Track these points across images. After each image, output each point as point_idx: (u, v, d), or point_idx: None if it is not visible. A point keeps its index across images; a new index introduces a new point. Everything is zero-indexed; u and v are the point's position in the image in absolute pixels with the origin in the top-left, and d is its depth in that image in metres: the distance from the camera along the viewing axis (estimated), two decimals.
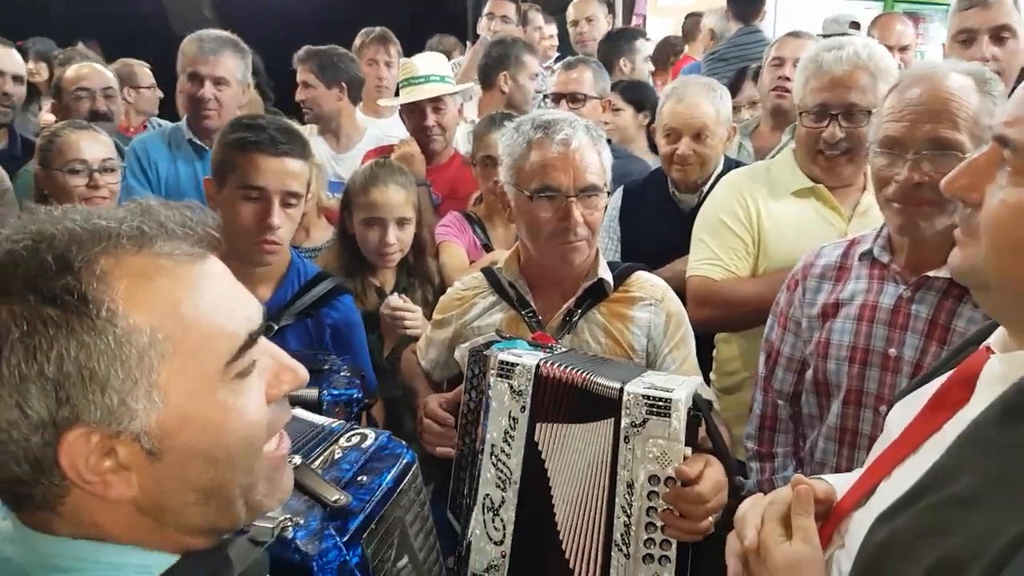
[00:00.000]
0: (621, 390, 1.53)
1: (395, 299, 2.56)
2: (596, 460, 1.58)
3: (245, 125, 2.11)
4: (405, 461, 1.31)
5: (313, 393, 1.84)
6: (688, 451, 1.51)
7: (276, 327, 2.12)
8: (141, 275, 0.80)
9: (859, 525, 1.11)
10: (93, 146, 2.76)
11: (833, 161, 2.33)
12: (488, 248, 2.93)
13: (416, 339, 2.40)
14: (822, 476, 1.32)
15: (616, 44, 4.71)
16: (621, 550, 1.56)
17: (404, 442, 1.38)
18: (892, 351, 1.80)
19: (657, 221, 2.92)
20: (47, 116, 4.09)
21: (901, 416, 1.20)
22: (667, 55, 5.82)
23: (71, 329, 0.76)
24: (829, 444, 1.91)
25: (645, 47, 4.83)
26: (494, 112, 3.28)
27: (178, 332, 0.80)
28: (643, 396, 1.51)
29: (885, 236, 1.89)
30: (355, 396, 1.96)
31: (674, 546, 1.54)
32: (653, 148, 3.76)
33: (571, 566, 1.61)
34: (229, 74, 3.38)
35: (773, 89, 3.38)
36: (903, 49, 4.03)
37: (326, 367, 1.98)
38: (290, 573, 1.08)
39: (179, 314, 0.81)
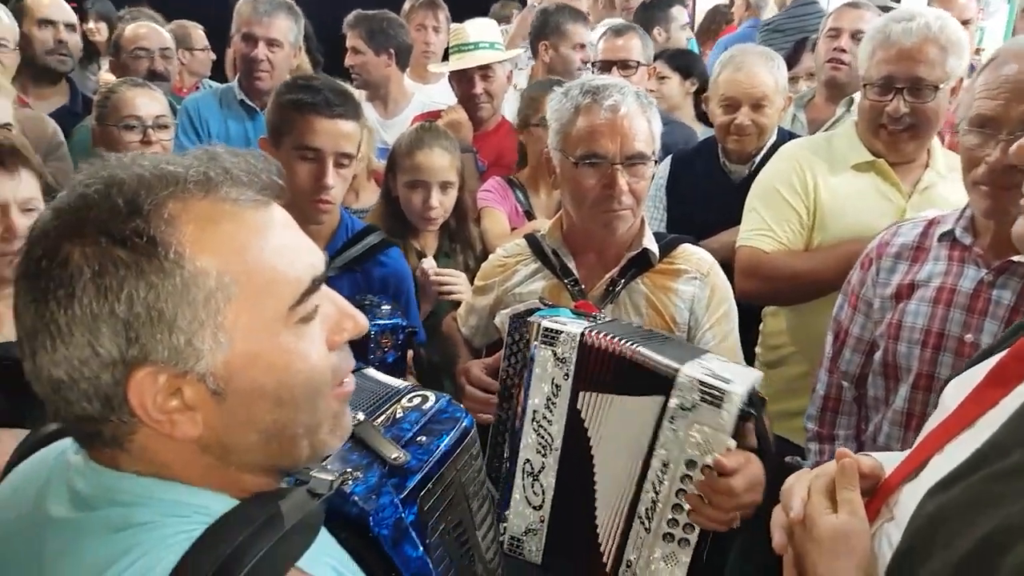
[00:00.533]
0: (677, 370, 1.50)
1: (429, 262, 2.56)
2: (637, 432, 1.56)
3: (301, 86, 2.13)
4: (464, 425, 1.31)
5: None
6: (732, 444, 1.48)
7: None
8: (207, 219, 0.82)
9: (909, 498, 1.10)
10: (148, 103, 2.80)
11: (896, 136, 2.26)
12: (530, 215, 2.91)
13: (452, 305, 2.40)
14: (869, 453, 1.30)
15: (651, 13, 4.64)
16: (643, 523, 1.56)
17: (463, 407, 1.38)
18: (968, 337, 1.74)
19: (706, 192, 2.87)
20: (107, 75, 4.14)
21: (956, 393, 1.18)
22: (718, 24, 5.73)
23: (140, 270, 0.78)
24: (894, 429, 1.85)
25: (681, 15, 4.75)
26: (544, 78, 3.25)
27: (243, 275, 0.82)
28: (698, 381, 1.48)
29: (968, 217, 1.82)
30: (400, 324, 2.01)
31: (696, 532, 1.53)
32: (699, 116, 3.72)
33: (597, 531, 1.62)
34: (282, 36, 3.40)
35: (828, 61, 3.30)
36: (964, 23, 3.89)
37: (367, 303, 2.06)
38: (346, 526, 1.08)
39: (244, 258, 0.83)
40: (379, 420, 1.27)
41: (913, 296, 1.84)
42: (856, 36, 3.21)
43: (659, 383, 1.52)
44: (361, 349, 1.95)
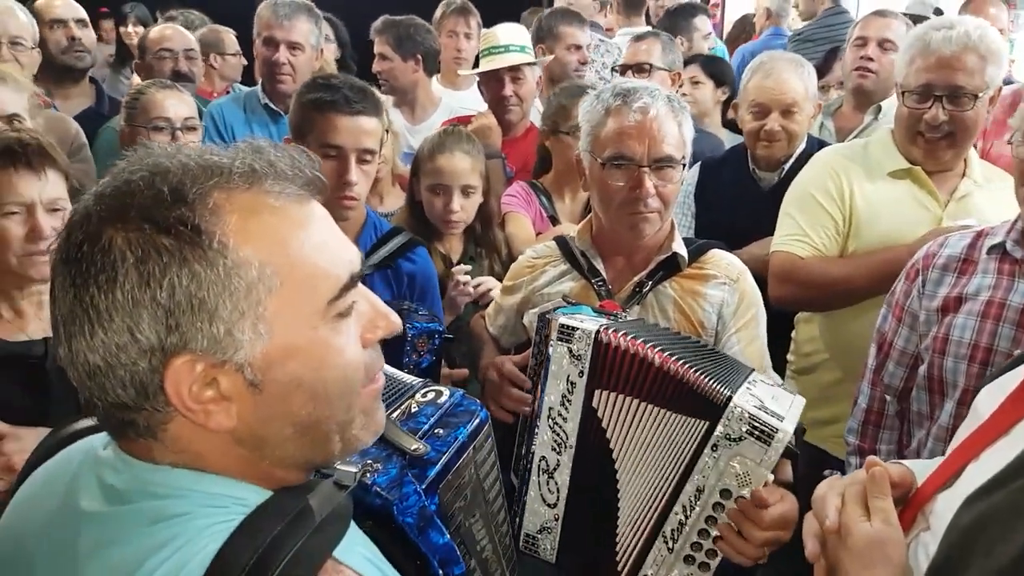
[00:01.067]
0: (729, 399, 1.46)
1: (463, 274, 2.55)
2: (671, 449, 1.53)
3: (321, 85, 2.15)
4: (480, 418, 1.32)
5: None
6: (771, 479, 1.47)
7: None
8: (251, 211, 0.82)
9: (945, 507, 1.08)
10: (177, 105, 2.81)
11: (933, 144, 2.23)
12: (554, 220, 2.89)
13: (475, 309, 2.40)
14: (900, 460, 1.28)
15: (675, 20, 4.64)
16: (666, 542, 1.54)
17: (478, 401, 1.39)
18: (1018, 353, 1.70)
19: (734, 199, 2.84)
20: (138, 78, 4.16)
21: (989, 400, 1.16)
22: (747, 32, 5.70)
23: (183, 258, 0.78)
24: (938, 445, 1.80)
25: (705, 25, 4.72)
26: (572, 84, 3.23)
27: (285, 268, 0.82)
28: (750, 415, 1.44)
29: (1019, 230, 1.78)
30: (437, 329, 2.02)
31: (718, 558, 1.52)
32: (726, 124, 3.71)
33: (616, 538, 1.60)
34: (303, 39, 3.40)
35: (855, 69, 3.28)
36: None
37: (405, 307, 2.07)
38: (369, 517, 1.08)
39: (286, 251, 0.82)
40: (395, 415, 1.28)
41: (961, 310, 1.80)
42: (883, 45, 3.21)
43: (706, 407, 1.48)
44: (397, 352, 1.96)
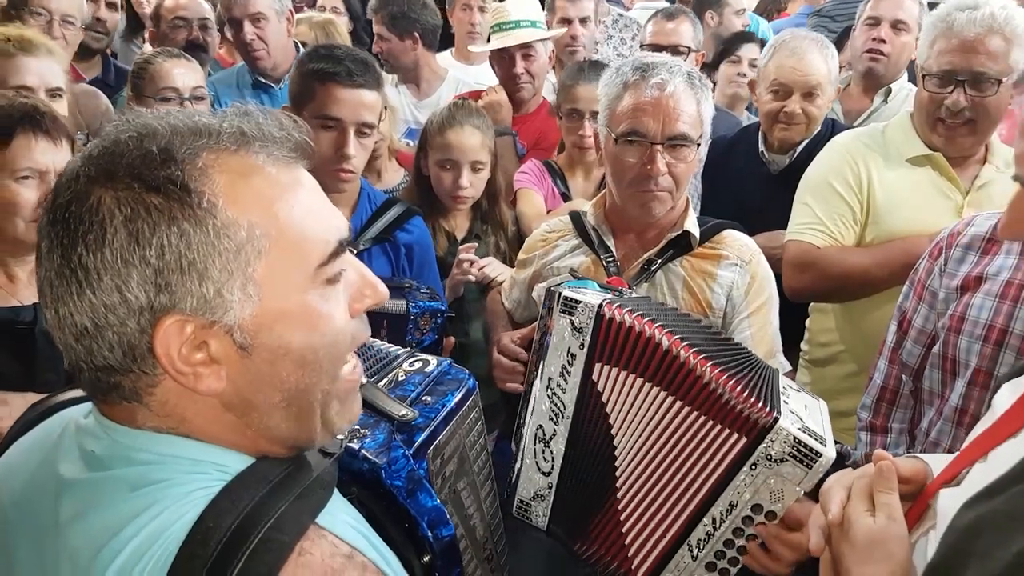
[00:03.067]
0: (776, 420, 1.40)
1: (469, 255, 2.51)
2: (702, 458, 1.48)
3: (323, 55, 2.13)
4: (467, 387, 1.33)
5: (402, 304, 1.94)
6: (801, 493, 1.43)
7: (356, 251, 2.17)
8: (239, 173, 0.82)
9: (949, 505, 1.06)
10: (185, 74, 2.79)
11: (954, 130, 2.17)
12: (567, 198, 2.86)
13: (477, 289, 2.41)
14: (918, 455, 1.25)
15: None
16: (690, 550, 1.51)
17: (466, 370, 1.39)
18: None
19: (742, 181, 2.78)
20: (149, 47, 4.13)
21: (1009, 397, 1.14)
22: (771, 9, 5.60)
23: (173, 217, 0.78)
24: (946, 425, 1.78)
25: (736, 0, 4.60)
26: (581, 60, 3.18)
27: (273, 230, 0.82)
28: (794, 438, 1.39)
29: None
30: (439, 308, 2.03)
31: (738, 567, 1.50)
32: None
33: (628, 533, 1.57)
34: (264, 7, 3.37)
35: (867, 51, 3.17)
36: None
37: (407, 285, 2.09)
38: (356, 482, 1.09)
39: (275, 213, 0.82)
40: (381, 383, 1.28)
41: (979, 289, 1.76)
42: (896, 26, 3.12)
43: (747, 423, 1.42)
44: (399, 330, 1.98)
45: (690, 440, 1.50)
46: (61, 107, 2.27)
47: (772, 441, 1.41)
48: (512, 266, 2.60)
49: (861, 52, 3.21)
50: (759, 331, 1.88)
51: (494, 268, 2.52)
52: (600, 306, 1.56)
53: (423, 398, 1.26)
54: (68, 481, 0.85)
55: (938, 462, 1.21)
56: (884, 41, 3.12)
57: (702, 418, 1.48)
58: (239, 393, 0.84)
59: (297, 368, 0.85)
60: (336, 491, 0.91)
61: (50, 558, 0.84)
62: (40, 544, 0.86)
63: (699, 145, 1.88)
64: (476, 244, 2.59)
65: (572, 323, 1.58)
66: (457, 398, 1.29)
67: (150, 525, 0.78)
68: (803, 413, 1.47)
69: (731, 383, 1.45)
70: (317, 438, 0.92)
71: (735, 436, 1.44)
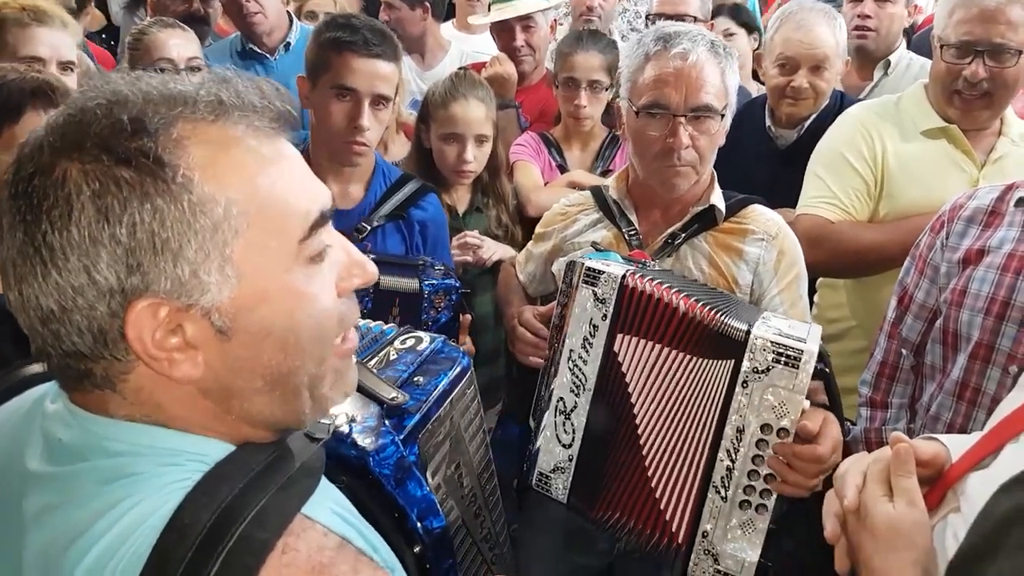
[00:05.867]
0: (748, 332, 1.44)
1: (474, 237, 2.49)
2: (704, 397, 1.51)
3: (340, 24, 2.08)
4: (462, 365, 1.30)
5: (414, 283, 1.91)
6: (807, 404, 1.44)
7: (370, 227, 2.15)
8: (218, 145, 0.76)
9: (978, 489, 1.03)
10: (180, 45, 2.73)
11: (970, 103, 2.14)
12: (563, 170, 2.83)
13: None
14: (935, 435, 1.22)
15: None
16: (719, 492, 1.51)
17: (460, 348, 1.36)
18: None
19: (748, 156, 2.67)
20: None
21: None
22: None
23: (145, 192, 0.72)
24: (947, 399, 1.77)
25: None
26: (579, 29, 3.12)
27: (252, 207, 0.76)
28: (771, 343, 1.42)
29: None
30: (454, 285, 2.00)
31: (773, 496, 1.49)
32: (755, 76, 3.57)
33: (657, 495, 1.56)
34: None
35: (854, 28, 3.10)
36: None
37: (421, 263, 2.04)
38: (345, 470, 1.05)
39: (254, 188, 0.77)
40: (372, 363, 1.25)
41: (981, 262, 1.74)
42: None
43: (727, 345, 1.46)
44: (414, 309, 1.95)
45: (694, 386, 1.51)
46: (71, 81, 2.20)
47: (753, 352, 1.43)
48: (512, 240, 2.61)
49: (848, 30, 3.11)
50: (790, 308, 1.86)
51: (489, 249, 2.49)
52: (624, 276, 1.54)
53: (415, 379, 1.23)
54: (35, 475, 0.80)
55: (956, 443, 1.18)
56: (869, 16, 3.07)
57: (697, 359, 1.50)
58: (218, 379, 0.79)
59: (279, 352, 0.80)
60: (324, 478, 0.87)
61: (15, 553, 0.79)
62: (4, 538, 0.81)
63: (723, 116, 1.84)
64: (481, 227, 2.56)
65: (595, 294, 1.56)
66: (451, 377, 1.26)
67: (122, 520, 0.73)
68: (783, 327, 1.48)
69: (710, 312, 1.48)
70: (307, 418, 0.87)
71: (723, 362, 1.47)
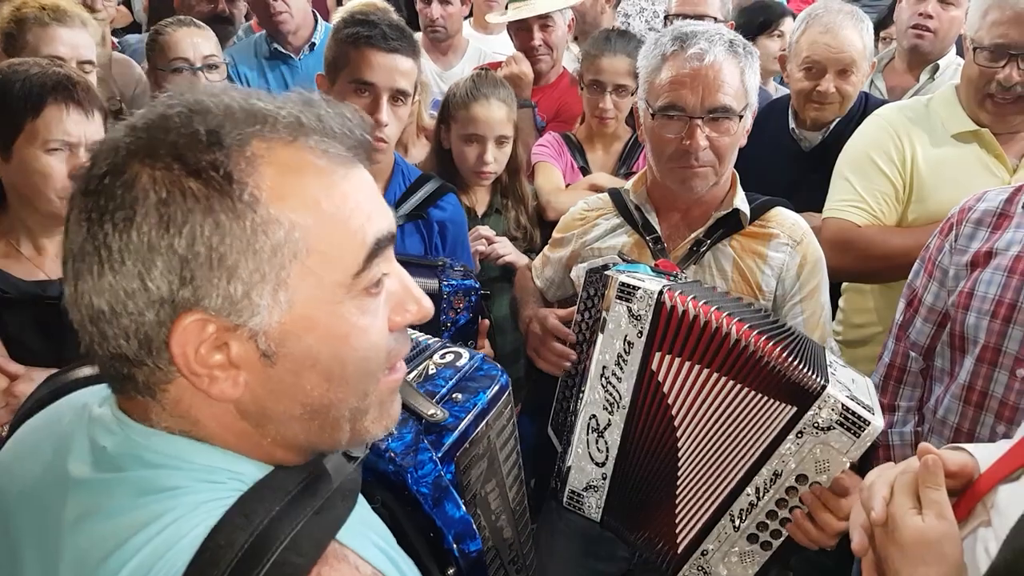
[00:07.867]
0: (823, 388, 1.39)
1: (487, 230, 2.48)
2: (753, 431, 1.47)
3: (358, 20, 2.06)
4: (500, 384, 1.27)
5: (433, 283, 1.88)
6: (847, 465, 1.41)
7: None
8: (290, 167, 0.76)
9: (1010, 502, 1.00)
10: (197, 43, 2.70)
11: (1002, 107, 2.10)
12: (585, 172, 2.79)
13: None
14: (963, 445, 1.18)
15: None
16: (733, 521, 1.49)
17: (499, 365, 1.33)
18: None
19: (771, 158, 2.64)
20: None
21: None
22: None
23: (210, 206, 0.72)
24: (954, 402, 1.74)
25: None
26: (608, 29, 3.08)
27: (314, 234, 0.75)
28: (842, 405, 1.38)
29: None
30: (474, 286, 1.97)
31: (783, 538, 1.47)
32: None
33: (677, 511, 1.55)
34: None
35: (912, 27, 3.06)
36: None
37: (440, 263, 2.01)
38: (382, 487, 1.03)
39: (320, 215, 0.76)
40: (411, 376, 1.23)
41: (989, 264, 1.70)
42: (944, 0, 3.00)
43: (796, 392, 1.41)
44: (434, 311, 1.89)
45: (743, 418, 1.47)
46: (91, 79, 2.20)
47: (820, 408, 1.39)
48: (530, 242, 2.59)
49: (906, 27, 3.09)
50: (811, 316, 1.82)
51: (504, 247, 2.47)
52: (660, 293, 1.50)
53: (454, 395, 1.21)
54: (76, 480, 0.80)
55: (985, 453, 1.14)
56: (931, 16, 3.00)
57: (753, 393, 1.45)
58: (256, 401, 0.78)
59: (323, 382, 0.79)
60: (361, 498, 0.86)
61: (53, 556, 0.79)
62: (44, 540, 0.81)
63: (742, 116, 1.80)
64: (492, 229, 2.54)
65: (630, 310, 1.53)
66: (489, 396, 1.23)
67: (158, 537, 0.73)
68: (851, 384, 1.44)
69: (781, 353, 1.42)
70: (343, 448, 0.86)
71: (784, 406, 1.42)
